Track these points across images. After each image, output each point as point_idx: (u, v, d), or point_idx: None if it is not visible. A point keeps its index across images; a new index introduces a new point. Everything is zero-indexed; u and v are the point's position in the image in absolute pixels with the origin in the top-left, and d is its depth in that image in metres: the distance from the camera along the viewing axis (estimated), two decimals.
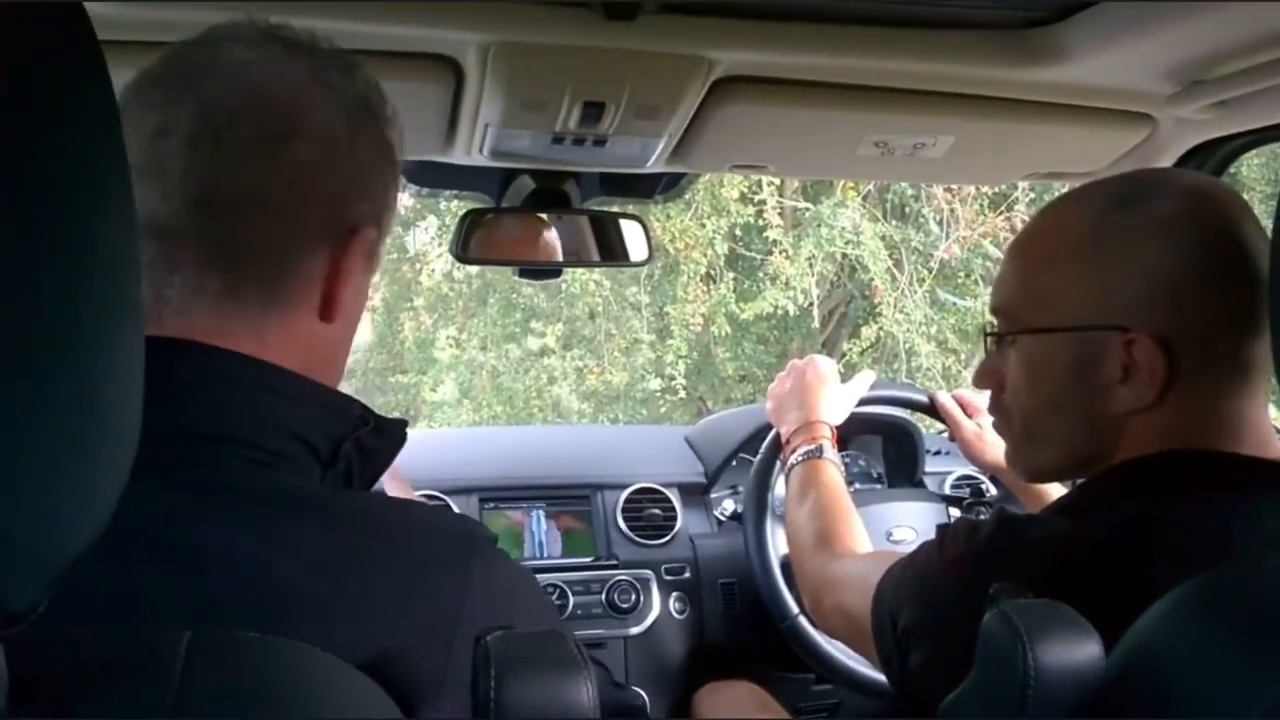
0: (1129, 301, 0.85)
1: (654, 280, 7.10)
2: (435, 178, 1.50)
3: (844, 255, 6.74)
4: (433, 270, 7.57)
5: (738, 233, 6.86)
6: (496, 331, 7.66)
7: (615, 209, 1.54)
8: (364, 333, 7.59)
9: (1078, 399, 0.89)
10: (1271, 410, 0.90)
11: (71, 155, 0.41)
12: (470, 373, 7.75)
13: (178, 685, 0.47)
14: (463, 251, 1.44)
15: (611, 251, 1.51)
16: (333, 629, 0.58)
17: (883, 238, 6.51)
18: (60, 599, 0.42)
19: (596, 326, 7.57)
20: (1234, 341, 0.84)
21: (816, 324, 7.20)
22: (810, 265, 6.47)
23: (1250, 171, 5.99)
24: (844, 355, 7.18)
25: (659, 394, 7.37)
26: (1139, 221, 0.86)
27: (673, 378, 6.86)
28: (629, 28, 1.03)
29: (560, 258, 1.51)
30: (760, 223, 6.46)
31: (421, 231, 7.54)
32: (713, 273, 6.83)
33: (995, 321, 0.98)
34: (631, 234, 1.50)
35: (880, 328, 6.71)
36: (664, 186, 1.62)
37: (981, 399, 1.57)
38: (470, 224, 1.44)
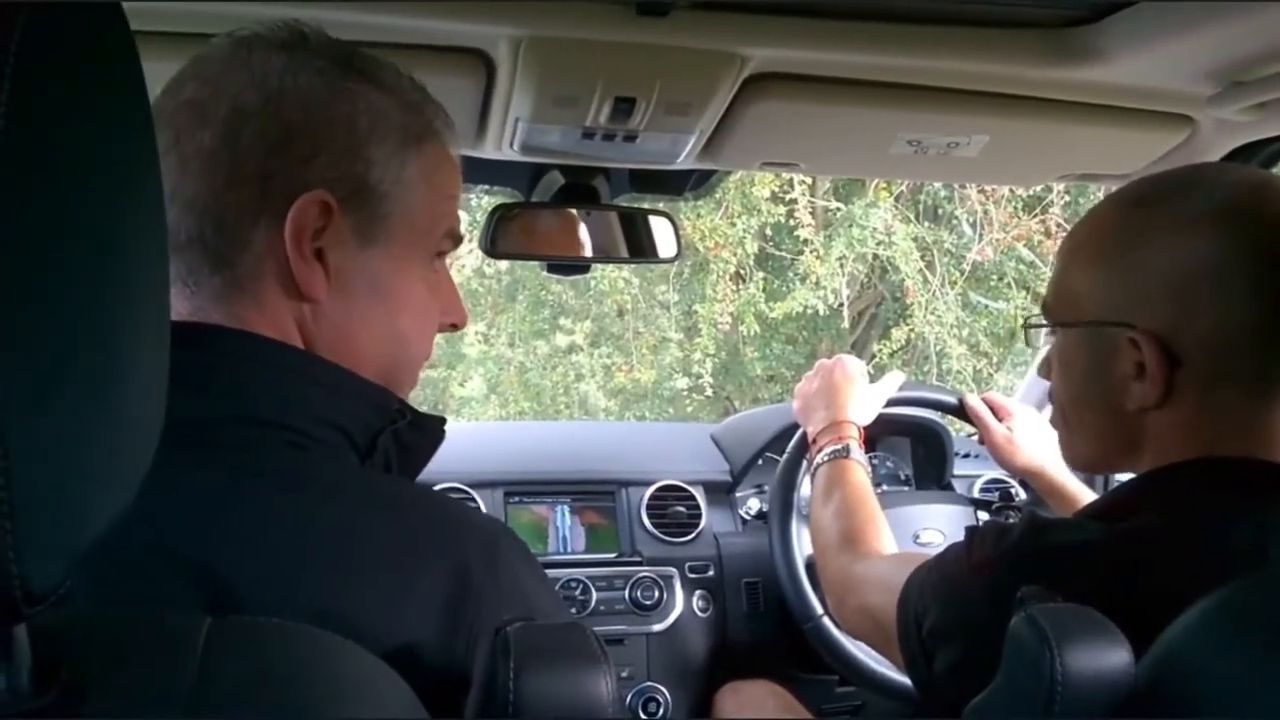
0: (1136, 298, 0.86)
1: (683, 279, 7.10)
2: (465, 172, 1.50)
3: (875, 256, 6.72)
4: (463, 265, 7.61)
5: (768, 232, 6.86)
6: (525, 328, 7.70)
7: (645, 205, 1.54)
8: None
9: (1100, 394, 0.91)
10: None
11: (102, 145, 0.41)
12: (498, 368, 7.80)
13: (197, 670, 0.47)
14: (491, 246, 1.44)
15: (640, 248, 1.50)
16: (351, 611, 0.59)
17: (915, 239, 6.48)
18: (86, 573, 0.43)
19: (625, 324, 7.59)
20: (1262, 346, 0.83)
21: (846, 324, 7.18)
22: (841, 265, 6.46)
23: None
24: (874, 356, 7.15)
25: (686, 393, 7.38)
26: (1156, 219, 0.86)
27: (700, 376, 6.86)
28: (660, 23, 1.03)
29: (589, 254, 1.51)
30: (791, 222, 6.44)
31: None
32: (742, 272, 6.83)
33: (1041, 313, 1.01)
34: (660, 230, 1.50)
35: (911, 329, 6.69)
36: (694, 183, 1.61)
37: (1012, 402, 1.56)
38: (499, 218, 1.44)
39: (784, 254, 6.95)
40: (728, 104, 1.19)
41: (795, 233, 6.48)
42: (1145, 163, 1.38)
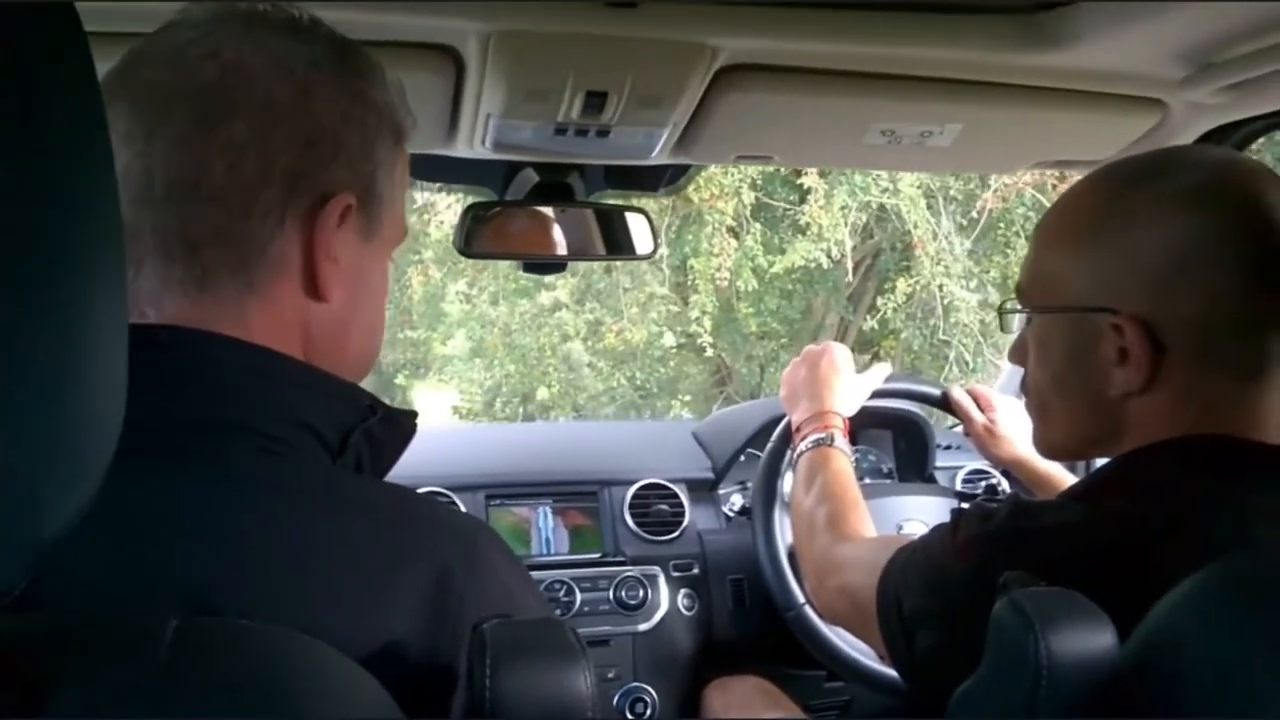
0: (1118, 282, 0.88)
1: (672, 232, 7.10)
2: (437, 172, 1.54)
3: (876, 205, 6.72)
4: (441, 221, 7.59)
5: (759, 182, 6.85)
6: (508, 286, 7.70)
7: (619, 201, 1.59)
8: None
9: (1079, 380, 0.94)
10: None
11: (55, 140, 0.42)
12: (481, 327, 7.81)
13: (163, 672, 0.48)
14: (466, 245, 1.48)
15: (617, 244, 1.55)
16: (331, 616, 0.61)
17: (920, 186, 6.49)
18: (52, 580, 0.44)
19: (612, 281, 7.60)
20: (1247, 326, 0.86)
21: (850, 277, 7.20)
22: (844, 215, 6.45)
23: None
24: (876, 310, 7.18)
25: (675, 350, 7.40)
26: (1139, 201, 0.88)
27: (696, 335, 6.88)
28: (630, 15, 1.07)
29: (565, 251, 1.56)
30: (787, 171, 6.43)
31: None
32: (736, 224, 6.83)
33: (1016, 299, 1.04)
34: (637, 226, 1.54)
35: (916, 281, 6.71)
36: (668, 179, 1.66)
37: (994, 393, 1.63)
38: (473, 217, 1.49)
39: (778, 204, 6.96)
40: (700, 96, 1.23)
41: (797, 181, 6.45)
42: (1118, 148, 1.42)
